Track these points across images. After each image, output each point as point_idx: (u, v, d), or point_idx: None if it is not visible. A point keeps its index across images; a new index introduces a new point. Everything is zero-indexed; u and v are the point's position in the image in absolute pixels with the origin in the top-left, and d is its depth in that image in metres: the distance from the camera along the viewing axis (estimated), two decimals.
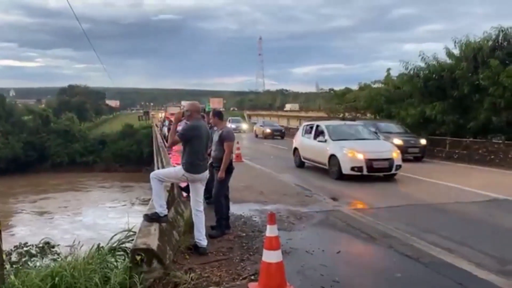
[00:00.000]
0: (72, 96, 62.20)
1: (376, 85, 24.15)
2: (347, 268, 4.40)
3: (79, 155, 44.04)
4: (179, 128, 5.03)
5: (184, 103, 38.35)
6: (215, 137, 5.75)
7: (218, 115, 6.09)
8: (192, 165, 4.68)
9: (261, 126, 32.62)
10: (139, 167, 39.33)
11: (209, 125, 5.98)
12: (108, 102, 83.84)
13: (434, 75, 17.00)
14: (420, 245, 5.09)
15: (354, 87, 32.06)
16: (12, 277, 4.10)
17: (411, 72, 17.79)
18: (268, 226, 3.68)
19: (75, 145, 44.22)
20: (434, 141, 16.28)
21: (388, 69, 22.82)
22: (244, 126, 34.86)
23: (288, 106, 66.48)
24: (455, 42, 16.35)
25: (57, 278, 3.61)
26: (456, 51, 16.75)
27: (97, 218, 25.01)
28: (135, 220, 5.45)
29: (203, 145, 4.82)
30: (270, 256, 3.59)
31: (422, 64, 17.48)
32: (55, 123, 45.79)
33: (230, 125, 25.08)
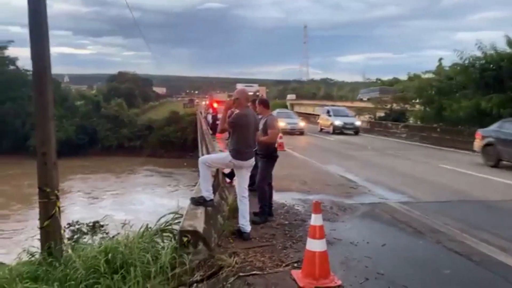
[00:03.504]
0: (121, 82, 64.52)
1: (426, 75, 23.15)
2: (393, 262, 4.30)
3: (127, 139, 45.70)
4: (220, 116, 5.13)
5: (239, 86, 35.96)
6: (260, 125, 5.77)
7: (264, 103, 6.11)
8: (239, 152, 4.75)
9: (328, 116, 24.65)
10: (184, 153, 40.29)
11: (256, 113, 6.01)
12: (155, 89, 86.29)
13: (491, 65, 16.04)
14: (471, 242, 4.88)
15: (402, 77, 30.85)
16: (70, 251, 4.38)
17: (466, 62, 16.88)
18: (313, 215, 3.67)
19: (123, 130, 45.90)
20: None
21: (440, 59, 21.84)
22: (302, 123, 23.27)
23: (289, 96, 62.32)
24: None
25: (110, 254, 3.81)
26: None
27: (143, 201, 26.02)
28: (179, 204, 5.63)
29: (250, 133, 4.87)
30: (314, 245, 3.58)
31: (479, 54, 16.54)
32: (105, 109, 47.72)
33: (283, 124, 20.48)
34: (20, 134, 39.96)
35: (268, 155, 5.64)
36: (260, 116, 5.99)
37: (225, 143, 8.81)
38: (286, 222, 5.55)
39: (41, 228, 4.58)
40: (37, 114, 4.63)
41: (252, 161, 4.94)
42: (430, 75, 22.39)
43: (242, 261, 4.10)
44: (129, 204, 25.56)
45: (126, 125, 46.65)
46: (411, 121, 25.50)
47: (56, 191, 4.68)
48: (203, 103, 52.52)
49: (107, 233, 7.13)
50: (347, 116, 24.41)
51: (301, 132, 22.50)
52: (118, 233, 5.23)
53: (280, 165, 6.09)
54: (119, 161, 40.10)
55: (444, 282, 3.86)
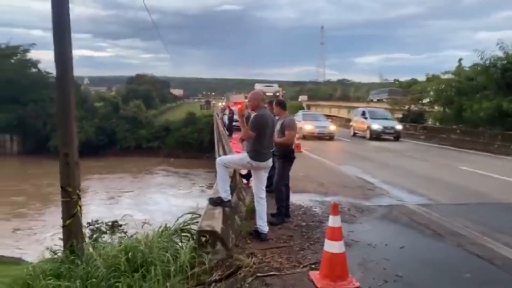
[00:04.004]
0: (139, 84, 65.42)
1: (446, 76, 22.78)
2: (411, 264, 4.25)
3: (145, 140, 46.32)
4: (236, 117, 5.17)
5: (257, 86, 35.06)
6: (277, 126, 5.79)
7: (281, 104, 6.13)
8: (257, 153, 4.77)
9: (363, 118, 21.35)
10: (200, 154, 40.61)
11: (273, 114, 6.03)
12: (172, 90, 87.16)
13: None
14: (493, 246, 4.79)
15: (421, 78, 30.38)
16: (91, 249, 4.48)
17: (487, 62, 16.56)
18: (331, 217, 3.66)
19: (141, 131, 46.54)
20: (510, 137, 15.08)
21: (460, 59, 21.48)
22: (332, 127, 20.73)
23: (300, 98, 61.59)
24: None
25: (130, 253, 3.88)
26: None
27: (159, 201, 26.31)
28: (195, 204, 5.69)
29: (268, 134, 4.89)
30: (332, 247, 3.57)
31: (500, 54, 16.21)
32: (124, 110, 48.47)
33: (311, 127, 19.64)
34: (41, 135, 40.93)
35: (285, 156, 5.65)
36: (277, 118, 6.01)
37: (241, 144, 8.84)
38: (304, 224, 5.54)
39: (63, 226, 4.69)
40: (60, 115, 4.75)
41: (269, 162, 4.96)
42: (450, 76, 22.04)
43: (259, 261, 4.12)
44: (145, 204, 25.88)
45: (144, 126, 47.29)
46: (429, 122, 25.12)
47: (77, 191, 4.78)
48: (219, 104, 52.84)
49: (125, 233, 7.26)
50: (386, 118, 21.14)
51: (331, 137, 19.89)
52: (136, 232, 5.32)
53: (297, 166, 6.09)
54: (136, 162, 40.66)
55: (465, 286, 3.80)
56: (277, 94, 29.41)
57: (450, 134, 19.40)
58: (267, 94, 28.61)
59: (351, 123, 23.41)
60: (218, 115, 38.08)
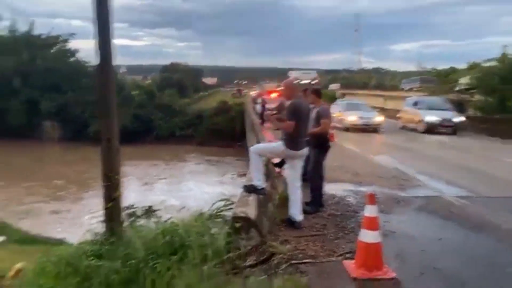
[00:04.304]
0: (173, 73, 66.34)
1: (488, 64, 21.71)
2: (450, 257, 4.14)
3: (178, 128, 47.08)
4: (269, 106, 5.14)
5: (292, 73, 33.47)
6: (312, 115, 5.74)
7: (316, 92, 6.08)
8: (292, 142, 4.76)
9: (415, 109, 18.69)
10: (232, 143, 40.88)
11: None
12: (205, 79, 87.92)
13: None
14: None
15: (461, 66, 29.07)
16: (130, 232, 4.65)
17: None
18: (367, 206, 3.62)
19: (175, 119, 47.29)
20: None
21: (504, 46, 20.37)
22: (379, 118, 18.33)
23: (331, 86, 59.29)
24: None
25: (168, 236, 3.99)
26: None
27: (191, 187, 26.79)
28: (226, 191, 5.75)
29: (303, 123, 4.86)
30: (368, 236, 3.54)
31: None
32: (159, 98, 49.44)
33: (354, 118, 17.63)
34: (80, 121, 42.45)
35: (320, 145, 5.61)
36: (312, 106, 5.96)
37: (274, 133, 8.80)
38: (338, 213, 5.51)
39: (105, 209, 4.88)
40: (101, 103, 4.90)
41: (305, 151, 4.93)
42: (493, 63, 20.99)
43: (293, 249, 4.14)
44: (178, 190, 26.42)
45: (178, 115, 48.03)
46: (470, 112, 24.11)
47: (118, 176, 4.95)
48: (252, 92, 52.86)
49: (159, 218, 7.47)
50: (442, 109, 18.08)
51: (375, 129, 17.71)
52: (171, 217, 5.45)
53: (331, 155, 6.02)
54: (169, 149, 41.47)
55: (507, 280, 3.67)
56: (314, 81, 28.06)
57: (492, 124, 18.48)
58: (303, 81, 27.45)
59: (399, 115, 20.78)
60: (250, 103, 38.11)
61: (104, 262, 4.18)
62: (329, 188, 6.70)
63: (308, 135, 5.52)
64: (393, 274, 3.56)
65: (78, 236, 6.61)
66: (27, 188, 27.75)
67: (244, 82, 70.45)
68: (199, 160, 38.32)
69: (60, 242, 14.98)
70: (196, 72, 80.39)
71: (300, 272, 3.65)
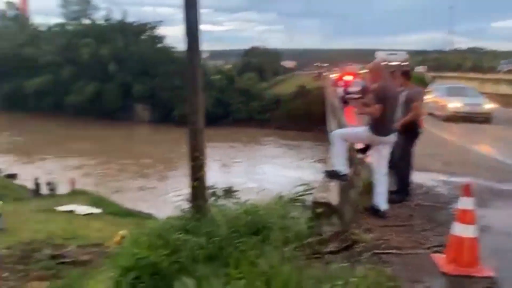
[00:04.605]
0: (253, 57, 67.18)
1: None
2: None
3: (257, 112, 47.91)
4: (351, 89, 4.93)
5: (379, 54, 30.55)
6: (401, 98, 5.40)
7: (406, 74, 5.70)
8: (379, 127, 4.54)
9: None
10: (310, 127, 40.58)
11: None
12: (284, 62, 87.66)
13: None
14: None
15: None
16: (213, 210, 4.85)
17: None
18: (462, 198, 3.35)
19: (253, 103, 48.20)
20: None
21: None
22: (488, 105, 15.52)
23: (416, 69, 52.76)
24: None
25: (250, 217, 4.09)
26: None
27: (266, 170, 27.23)
28: (304, 176, 5.70)
29: (391, 107, 4.60)
30: (463, 230, 3.28)
31: None
32: (238, 83, 50.58)
33: (459, 105, 14.76)
34: (168, 105, 45.11)
35: (409, 131, 5.26)
36: (401, 89, 5.62)
37: (357, 117, 8.47)
38: (426, 204, 5.18)
39: (191, 188, 5.13)
40: (189, 86, 5.11)
41: (393, 137, 4.68)
42: None
43: (377, 238, 4.00)
44: (254, 173, 27.02)
45: (256, 99, 48.78)
46: None
47: (202, 156, 5.16)
48: (332, 75, 51.65)
49: (238, 198, 7.71)
50: None
51: (486, 119, 14.73)
52: (249, 199, 5.56)
53: (420, 142, 5.65)
54: (248, 132, 42.45)
55: None
56: (405, 63, 25.42)
57: None
58: (392, 63, 25.60)
59: None
60: (331, 87, 37.26)
61: (191, 237, 4.42)
62: (417, 177, 6.31)
63: (400, 125, 5.15)
64: (490, 273, 3.27)
65: (164, 212, 7.07)
66: (120, 165, 30.50)
67: (325, 65, 68.82)
68: (277, 144, 38.72)
69: (149, 216, 16.31)
70: (276, 56, 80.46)
71: (384, 262, 3.51)
